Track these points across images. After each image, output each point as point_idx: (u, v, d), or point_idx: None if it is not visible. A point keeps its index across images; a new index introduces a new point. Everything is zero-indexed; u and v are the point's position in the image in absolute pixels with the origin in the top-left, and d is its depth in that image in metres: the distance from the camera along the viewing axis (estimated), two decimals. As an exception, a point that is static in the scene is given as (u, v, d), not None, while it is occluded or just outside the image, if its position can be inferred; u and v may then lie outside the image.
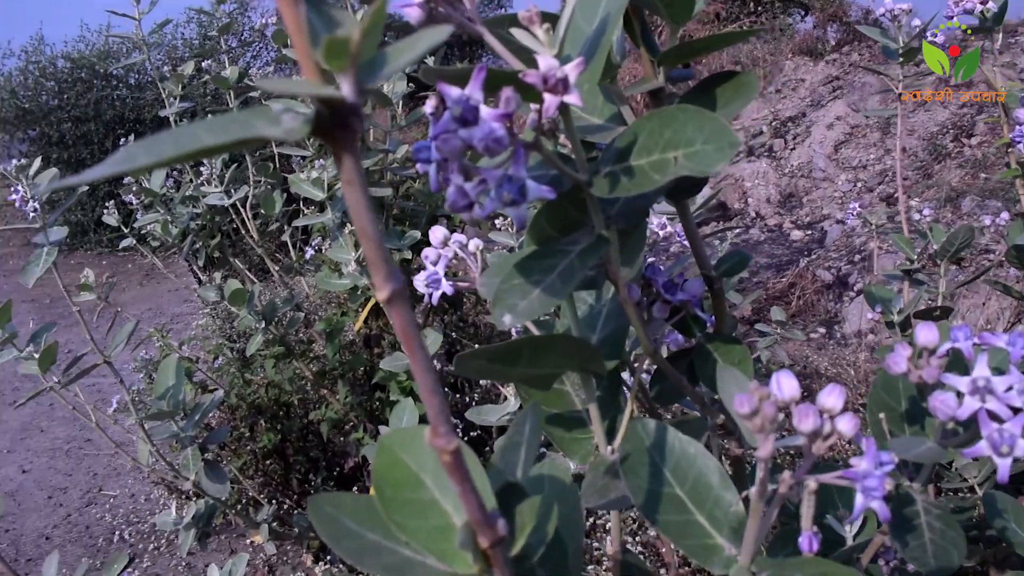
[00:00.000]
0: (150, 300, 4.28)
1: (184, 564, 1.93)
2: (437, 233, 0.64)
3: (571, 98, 0.38)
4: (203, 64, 2.21)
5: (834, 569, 0.39)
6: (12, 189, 1.31)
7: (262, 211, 2.07)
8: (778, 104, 7.93)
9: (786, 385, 0.40)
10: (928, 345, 0.46)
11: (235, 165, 2.18)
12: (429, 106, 0.38)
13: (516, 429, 0.39)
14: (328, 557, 1.80)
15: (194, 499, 1.64)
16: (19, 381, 3.37)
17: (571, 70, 0.38)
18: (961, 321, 2.25)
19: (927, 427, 0.53)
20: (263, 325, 1.98)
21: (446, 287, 0.61)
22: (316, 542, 1.93)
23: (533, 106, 0.40)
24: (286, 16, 0.23)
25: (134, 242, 2.07)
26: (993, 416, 0.43)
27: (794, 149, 6.82)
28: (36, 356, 1.43)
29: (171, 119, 2.07)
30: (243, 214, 2.21)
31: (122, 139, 2.14)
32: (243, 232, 2.23)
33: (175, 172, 2.18)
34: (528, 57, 0.41)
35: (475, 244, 0.65)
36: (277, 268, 2.28)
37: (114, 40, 5.98)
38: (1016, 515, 0.85)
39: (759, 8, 9.42)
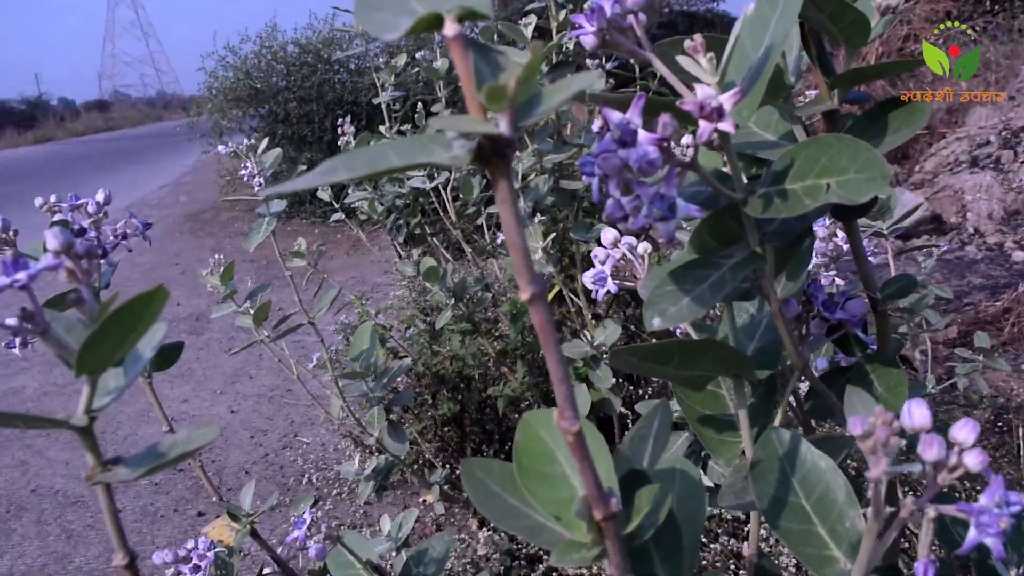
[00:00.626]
0: (355, 269, 4.59)
1: (361, 512, 2.09)
2: (608, 234, 0.68)
3: (725, 125, 0.41)
4: (417, 55, 2.34)
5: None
6: (242, 165, 1.47)
7: (461, 195, 2.18)
8: (1011, 112, 7.28)
9: (916, 413, 0.42)
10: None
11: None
12: (596, 125, 0.42)
13: (646, 423, 0.43)
14: (492, 524, 1.89)
15: (376, 454, 1.78)
16: (235, 332, 3.72)
17: (726, 100, 0.41)
18: None
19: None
20: (452, 302, 2.10)
21: (611, 286, 0.65)
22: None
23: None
24: (457, 63, 0.28)
25: (343, 216, 2.24)
26: None
27: (1025, 163, 6.26)
28: (251, 312, 1.60)
29: (383, 106, 2.22)
30: (444, 197, 2.34)
31: (339, 119, 2.31)
32: (442, 214, 2.36)
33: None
34: (691, 80, 0.44)
35: (644, 247, 0.69)
36: (471, 249, 2.39)
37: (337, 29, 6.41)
38: None
39: (996, 7, 8.67)
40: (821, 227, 1.06)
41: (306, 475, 2.38)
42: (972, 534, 0.38)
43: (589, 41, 0.46)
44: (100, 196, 0.91)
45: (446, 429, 2.14)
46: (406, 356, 2.27)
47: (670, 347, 0.54)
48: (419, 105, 2.55)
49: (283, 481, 2.38)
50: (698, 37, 0.44)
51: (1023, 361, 3.40)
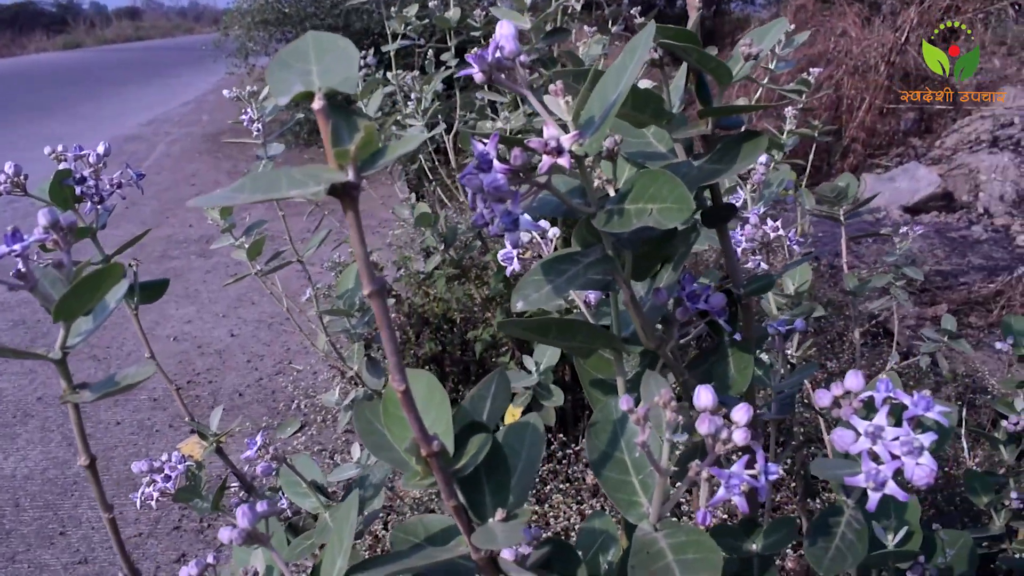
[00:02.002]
0: (364, 203, 4.67)
1: (343, 440, 2.24)
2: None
3: (563, 161, 0.51)
4: (430, 3, 2.42)
5: (705, 540, 0.52)
6: (243, 110, 1.57)
7: (461, 145, 2.28)
8: (1040, 94, 7.21)
9: (703, 396, 0.53)
10: (852, 389, 0.57)
11: (446, 98, 2.40)
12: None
13: (485, 387, 0.55)
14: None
15: (355, 386, 1.91)
16: (235, 263, 3.86)
17: (566, 140, 0.51)
18: None
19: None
20: (442, 246, 2.22)
21: (516, 265, 0.76)
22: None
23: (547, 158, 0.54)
24: (321, 127, 0.39)
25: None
26: (875, 458, 0.53)
27: (1046, 146, 6.24)
28: (247, 246, 1.72)
29: (391, 55, 2.31)
30: (447, 144, 2.43)
31: (363, 52, 2.40)
32: (446, 161, 2.46)
33: (390, 100, 2.43)
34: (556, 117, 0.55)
35: (553, 233, 0.80)
36: (465, 200, 2.50)
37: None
38: None
39: (1043, -16, 8.49)
40: (754, 214, 1.16)
41: (296, 401, 2.53)
42: (720, 492, 0.50)
43: (478, 78, 0.56)
44: (101, 148, 1.02)
45: (426, 367, 2.28)
46: (395, 295, 2.39)
47: (548, 323, 0.65)
48: (430, 53, 2.63)
49: (273, 406, 2.54)
50: (560, 84, 0.55)
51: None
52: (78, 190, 0.95)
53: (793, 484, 1.85)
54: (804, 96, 2.22)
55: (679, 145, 0.69)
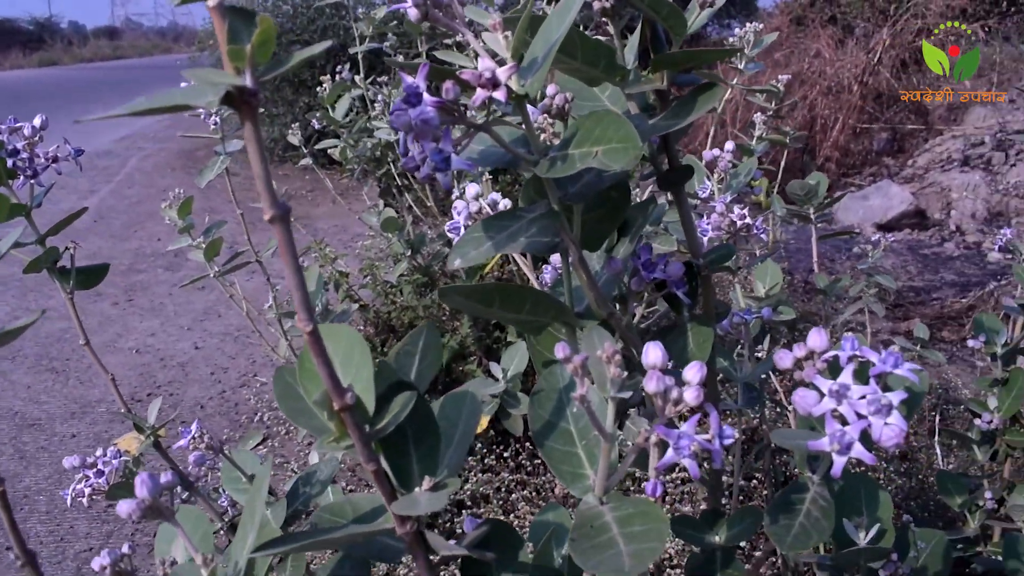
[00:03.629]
0: (339, 217, 4.64)
1: (306, 451, 2.17)
2: (471, 189, 0.75)
3: (499, 94, 0.47)
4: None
5: (653, 510, 0.47)
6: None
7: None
8: (1009, 115, 7.30)
9: (651, 354, 0.49)
10: (816, 348, 0.52)
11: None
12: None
13: (412, 341, 0.50)
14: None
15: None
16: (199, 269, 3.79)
17: (502, 73, 0.47)
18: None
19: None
20: (409, 253, 2.17)
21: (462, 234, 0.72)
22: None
23: (481, 92, 0.49)
24: (216, 26, 0.35)
25: (311, 161, 2.30)
26: (841, 420, 0.49)
27: (1015, 165, 6.30)
28: (203, 247, 1.67)
29: (359, 57, 2.27)
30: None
31: (338, 66, 2.36)
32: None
33: (357, 105, 2.39)
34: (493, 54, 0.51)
35: (504, 204, 0.75)
36: (434, 204, 2.46)
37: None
38: None
39: (1011, 8, 8.64)
40: (721, 202, 1.12)
41: (259, 414, 2.46)
42: (669, 454, 0.46)
43: (413, 14, 0.52)
44: (37, 121, 0.97)
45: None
46: (363, 303, 2.34)
47: (491, 289, 0.61)
48: (401, 58, 2.59)
49: (236, 418, 2.46)
50: (499, 18, 0.51)
51: (981, 359, 3.47)
52: (10, 162, 0.90)
53: (765, 492, 1.81)
54: (773, 104, 2.20)
55: (635, 105, 0.65)
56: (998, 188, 6.10)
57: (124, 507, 0.48)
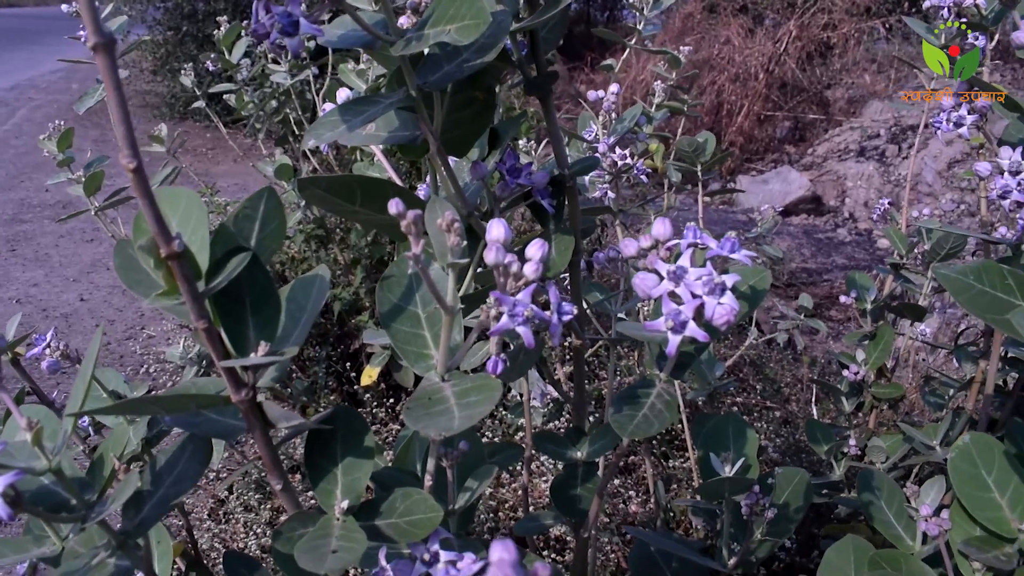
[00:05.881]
0: (240, 176, 4.52)
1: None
2: (342, 93, 0.74)
3: (349, -44, 0.46)
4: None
5: (491, 382, 0.48)
6: (80, 26, 1.45)
7: (327, 99, 2.19)
8: (903, 111, 7.63)
9: (495, 229, 0.49)
10: (660, 237, 0.54)
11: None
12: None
13: (251, 204, 0.49)
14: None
15: (201, 339, 1.81)
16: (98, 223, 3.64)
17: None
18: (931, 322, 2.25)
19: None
20: (303, 203, 2.13)
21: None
22: (311, 410, 2.09)
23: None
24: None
25: (203, 104, 2.23)
26: (676, 300, 0.51)
27: (906, 158, 6.59)
28: (83, 180, 1.60)
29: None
30: (315, 102, 2.34)
31: (245, 21, 2.28)
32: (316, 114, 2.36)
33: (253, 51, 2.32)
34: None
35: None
36: (335, 153, 2.41)
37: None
38: (889, 494, 0.92)
39: (912, 8, 9.00)
40: (604, 144, 1.14)
41: (144, 366, 2.38)
42: (504, 320, 0.46)
43: None
44: None
45: (285, 327, 2.19)
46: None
47: (351, 181, 0.60)
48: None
49: (120, 370, 2.37)
50: None
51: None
52: None
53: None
54: (675, 74, 2.23)
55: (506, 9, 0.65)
56: (890, 179, 6.38)
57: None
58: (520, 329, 0.46)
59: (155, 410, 0.46)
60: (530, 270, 0.48)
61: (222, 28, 2.18)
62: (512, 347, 0.59)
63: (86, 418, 0.97)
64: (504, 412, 1.74)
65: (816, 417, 2.15)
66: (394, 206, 0.43)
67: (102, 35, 0.36)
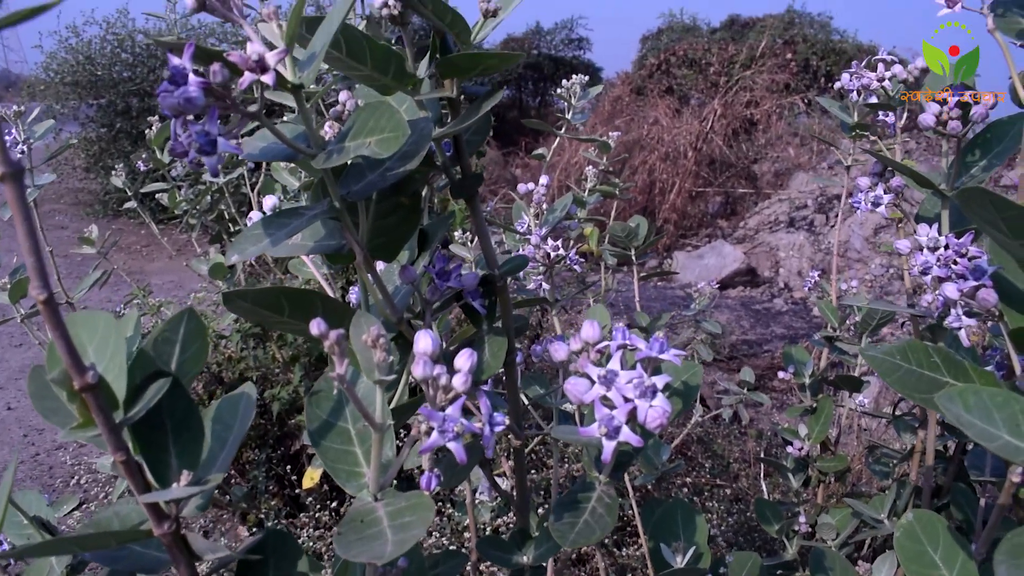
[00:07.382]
0: (175, 273, 4.45)
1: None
2: (268, 201, 0.73)
3: (266, 78, 0.47)
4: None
5: (424, 501, 0.46)
6: (6, 131, 1.43)
7: (261, 195, 2.19)
8: (827, 183, 7.90)
9: (421, 341, 0.49)
10: (589, 340, 0.54)
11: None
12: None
13: (171, 328, 0.48)
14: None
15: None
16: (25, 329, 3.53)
17: (271, 57, 0.47)
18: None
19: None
20: (240, 301, 2.09)
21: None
22: (252, 516, 2.02)
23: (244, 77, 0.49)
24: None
25: (135, 204, 2.21)
26: (609, 404, 0.50)
27: (834, 226, 6.81)
28: (8, 288, 1.56)
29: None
30: (251, 197, 2.33)
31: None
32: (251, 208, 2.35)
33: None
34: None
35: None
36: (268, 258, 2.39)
37: (198, 22, 6.25)
38: (841, 573, 0.91)
39: (829, 84, 9.44)
40: (536, 235, 1.15)
41: (76, 477, 2.29)
42: (434, 436, 0.45)
43: (189, 4, 0.51)
44: None
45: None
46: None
47: (278, 293, 0.59)
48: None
49: (50, 482, 2.29)
50: (272, 7, 0.51)
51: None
52: None
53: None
54: (605, 159, 2.28)
55: (423, 111, 0.65)
56: (820, 247, 6.57)
57: None
58: (451, 445, 0.45)
59: (74, 549, 0.43)
60: (459, 382, 0.47)
61: (153, 128, 2.18)
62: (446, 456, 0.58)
63: (5, 542, 0.92)
64: (451, 509, 1.70)
65: (766, 492, 2.15)
66: (315, 327, 0.42)
67: (9, 164, 0.35)
